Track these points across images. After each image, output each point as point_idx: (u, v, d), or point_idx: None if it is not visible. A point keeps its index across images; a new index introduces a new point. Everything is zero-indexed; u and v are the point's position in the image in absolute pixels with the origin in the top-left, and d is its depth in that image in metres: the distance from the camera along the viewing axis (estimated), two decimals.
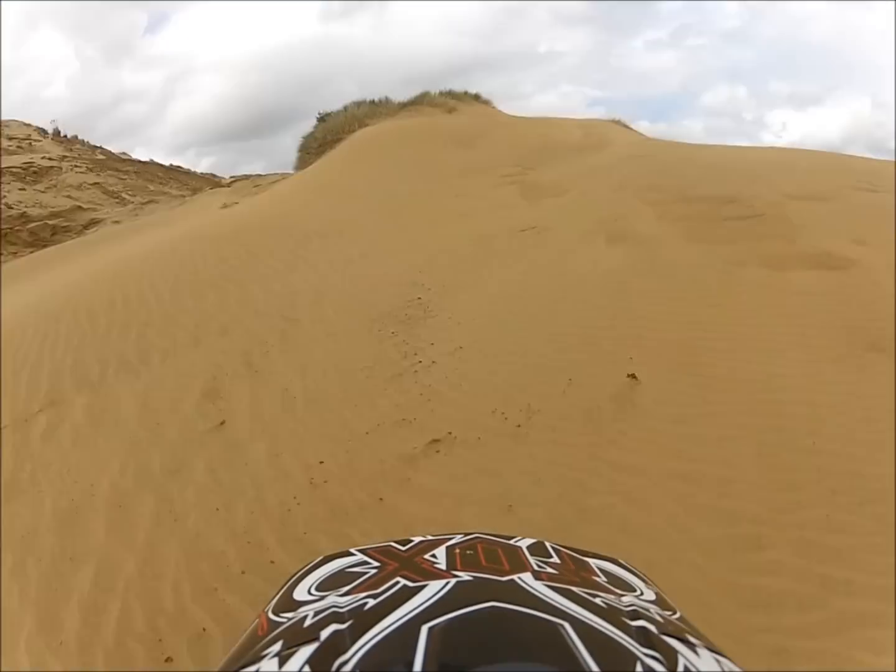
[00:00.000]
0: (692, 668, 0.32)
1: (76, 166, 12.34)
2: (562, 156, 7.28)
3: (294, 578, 0.50)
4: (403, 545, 0.51)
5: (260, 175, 13.07)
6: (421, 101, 11.96)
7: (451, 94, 12.30)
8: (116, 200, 11.87)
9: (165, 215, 10.15)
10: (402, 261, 4.17)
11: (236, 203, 9.13)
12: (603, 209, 4.40)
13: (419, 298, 3.42)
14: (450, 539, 0.52)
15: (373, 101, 12.12)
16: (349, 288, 3.85)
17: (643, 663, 0.31)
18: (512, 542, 0.53)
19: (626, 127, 11.34)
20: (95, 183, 12.09)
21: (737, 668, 0.35)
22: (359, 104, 12.00)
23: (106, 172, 12.71)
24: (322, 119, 12.08)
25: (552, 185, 5.62)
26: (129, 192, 12.45)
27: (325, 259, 4.51)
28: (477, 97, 12.76)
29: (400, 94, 12.01)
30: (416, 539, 0.53)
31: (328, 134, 11.01)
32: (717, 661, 0.34)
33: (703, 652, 0.35)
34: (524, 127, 9.90)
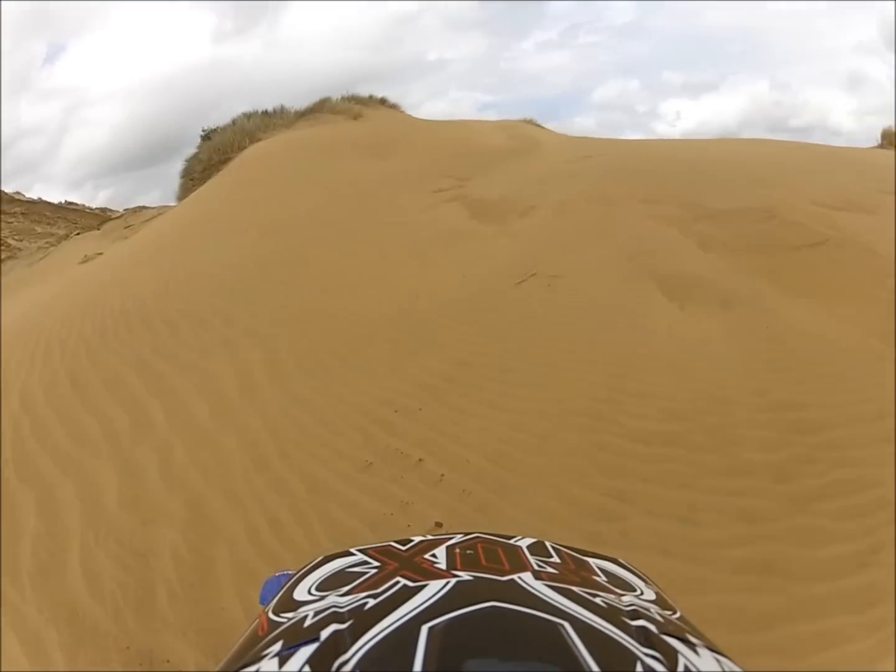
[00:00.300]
0: (692, 668, 0.32)
1: None
2: (494, 162, 6.44)
3: (294, 578, 0.50)
4: (403, 545, 0.51)
5: (144, 208, 12.00)
6: (321, 109, 10.70)
7: (354, 99, 11.20)
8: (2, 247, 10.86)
9: (21, 276, 8.81)
10: (333, 406, 2.42)
11: (100, 254, 7.90)
12: (615, 237, 3.34)
13: None
14: (450, 539, 0.52)
15: (265, 112, 10.64)
16: None
17: (643, 663, 0.31)
18: (512, 541, 0.52)
19: (539, 126, 10.90)
20: None
21: (737, 668, 0.35)
22: (249, 116, 10.40)
23: None
24: (207, 137, 10.35)
25: (505, 201, 4.61)
26: (16, 237, 11.44)
27: (175, 406, 2.59)
28: (383, 101, 11.79)
29: (296, 105, 10.69)
30: (417, 539, 0.53)
31: (214, 154, 9.52)
32: (718, 660, 0.34)
33: (703, 651, 0.35)
34: (441, 131, 9.08)
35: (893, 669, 1.48)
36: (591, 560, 0.52)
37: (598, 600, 0.38)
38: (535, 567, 0.45)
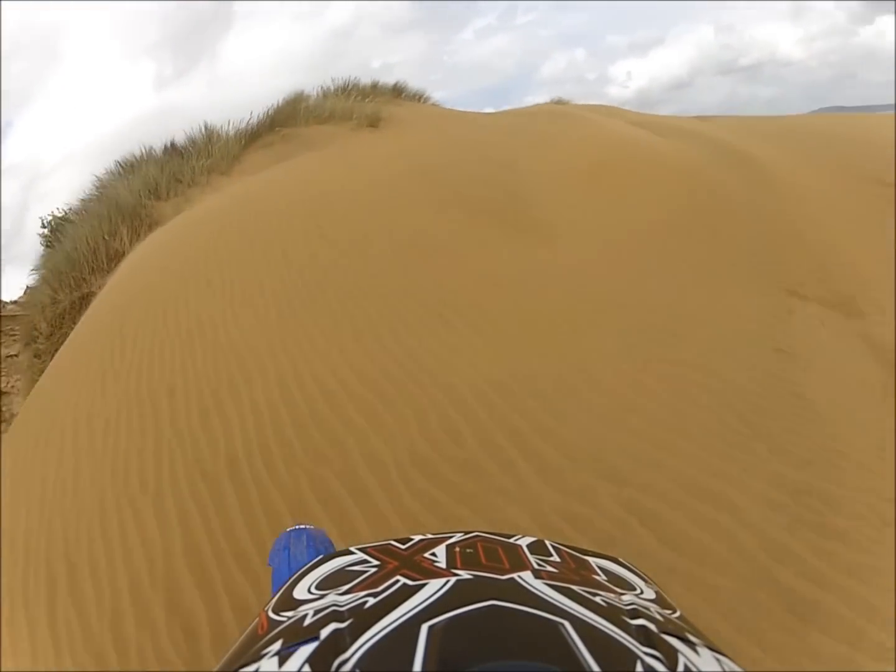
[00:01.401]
0: (692, 667, 0.32)
1: None
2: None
3: (294, 577, 0.50)
4: (403, 543, 0.51)
5: None
6: (293, 117, 6.21)
7: (351, 89, 6.81)
8: None
9: None
10: None
11: None
12: None
13: None
14: (450, 537, 0.52)
15: (176, 150, 5.35)
16: None
17: (643, 662, 0.31)
18: (512, 540, 0.53)
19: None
20: None
21: (737, 668, 0.35)
22: (144, 162, 5.14)
23: None
24: (48, 241, 4.96)
25: None
26: None
27: None
28: (399, 90, 7.44)
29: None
30: (416, 537, 0.53)
31: (60, 289, 4.36)
32: (718, 660, 0.34)
33: (703, 651, 0.35)
34: (526, 126, 6.32)
35: (893, 670, 1.49)
36: (590, 559, 0.52)
37: (598, 599, 0.38)
38: (535, 566, 0.45)
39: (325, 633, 0.34)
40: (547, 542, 0.52)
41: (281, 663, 0.32)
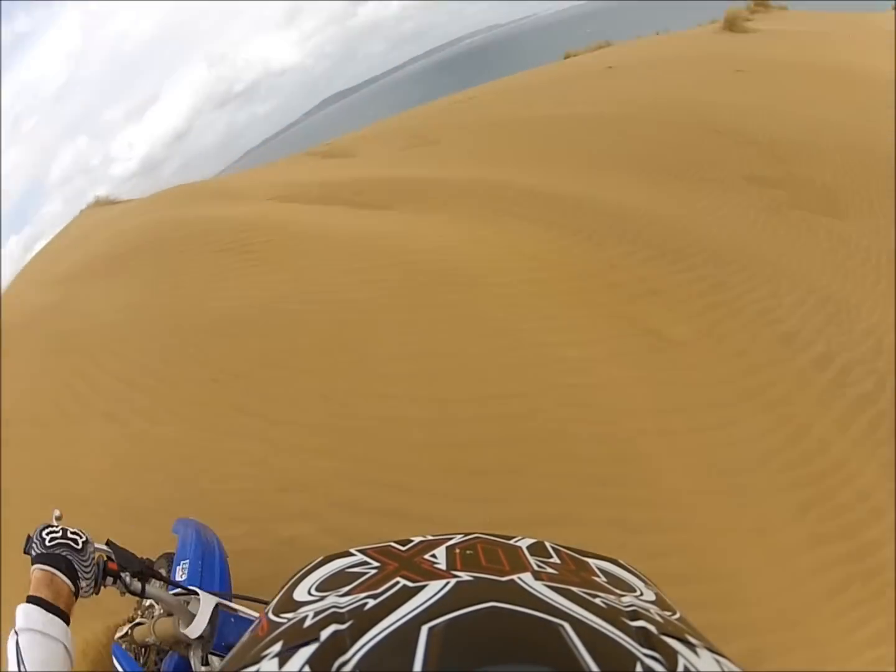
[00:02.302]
0: (692, 669, 0.32)
1: None
2: None
3: (294, 579, 0.50)
4: (403, 545, 0.51)
5: None
6: None
7: None
8: None
9: None
10: None
11: None
12: None
13: None
14: (450, 539, 0.52)
15: None
16: None
17: (643, 664, 0.31)
18: (512, 542, 0.52)
19: None
20: None
21: (736, 669, 0.35)
22: None
23: None
24: None
25: None
26: None
27: None
28: None
29: None
30: (416, 539, 0.53)
31: None
32: (717, 661, 0.34)
33: (702, 652, 0.35)
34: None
35: (893, 670, 1.49)
36: (590, 561, 0.52)
37: (597, 601, 0.38)
38: (535, 567, 0.45)
39: (325, 634, 0.34)
40: (547, 544, 0.52)
41: (281, 664, 0.32)
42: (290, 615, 0.41)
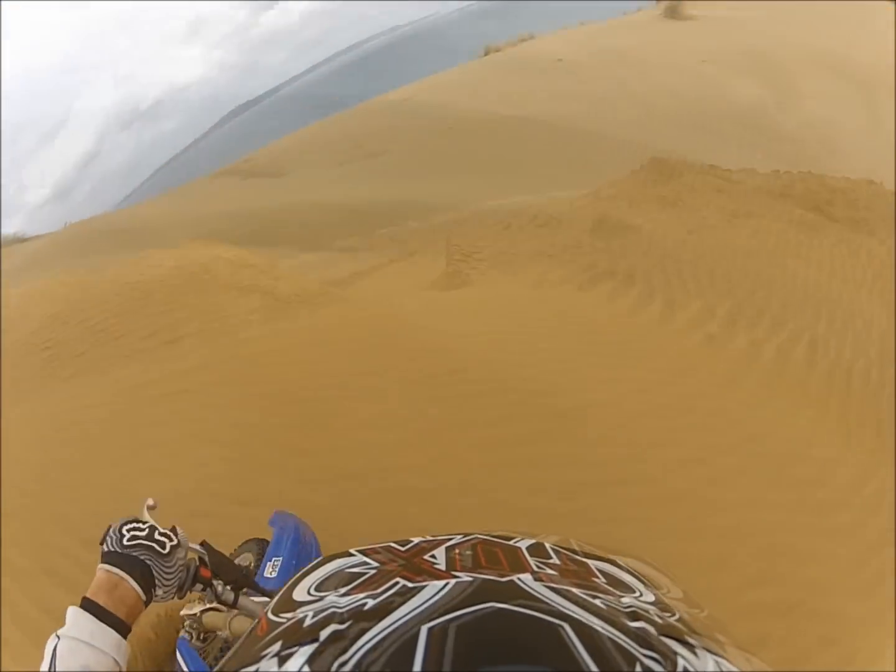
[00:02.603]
0: (691, 669, 0.32)
1: None
2: None
3: (294, 579, 0.50)
4: (403, 545, 0.51)
5: None
6: None
7: None
8: None
9: None
10: None
11: None
12: None
13: None
14: (449, 539, 0.52)
15: None
16: None
17: (642, 664, 0.31)
18: (511, 542, 0.52)
19: None
20: None
21: (735, 670, 0.35)
22: None
23: None
24: None
25: None
26: None
27: None
28: None
29: None
30: (416, 539, 0.53)
31: None
32: (717, 662, 0.34)
33: (702, 653, 0.35)
34: None
35: (893, 670, 1.49)
36: (590, 561, 0.52)
37: (597, 602, 0.38)
38: (535, 568, 0.45)
39: (324, 634, 0.34)
40: (546, 545, 0.52)
41: (280, 664, 0.32)
42: (289, 615, 0.41)
